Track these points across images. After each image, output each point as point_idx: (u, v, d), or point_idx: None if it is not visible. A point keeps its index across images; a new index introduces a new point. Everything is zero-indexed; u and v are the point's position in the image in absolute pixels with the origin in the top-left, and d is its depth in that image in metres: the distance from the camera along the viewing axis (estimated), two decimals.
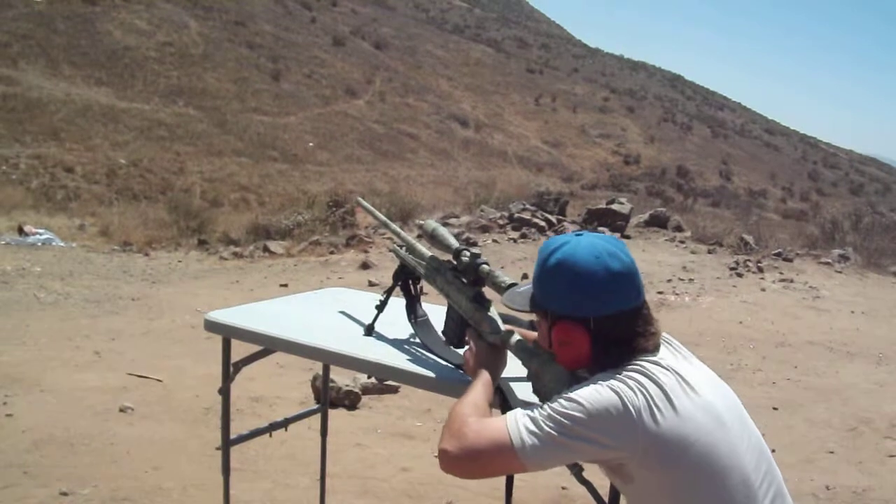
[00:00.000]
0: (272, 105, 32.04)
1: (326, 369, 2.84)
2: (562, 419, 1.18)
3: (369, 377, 4.54)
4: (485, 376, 1.40)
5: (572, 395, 1.21)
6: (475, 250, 1.59)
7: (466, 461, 1.22)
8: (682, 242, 11.64)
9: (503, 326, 1.47)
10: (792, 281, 9.06)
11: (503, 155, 38.76)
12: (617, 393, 1.19)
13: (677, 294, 8.08)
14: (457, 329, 1.63)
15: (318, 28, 46.85)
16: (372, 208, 2.06)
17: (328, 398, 2.97)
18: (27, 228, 11.69)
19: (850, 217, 13.81)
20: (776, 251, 10.74)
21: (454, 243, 1.63)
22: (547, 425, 1.19)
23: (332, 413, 3.39)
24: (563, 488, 3.40)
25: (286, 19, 45.60)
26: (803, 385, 5.38)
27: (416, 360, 1.77)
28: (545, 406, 1.22)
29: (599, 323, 1.26)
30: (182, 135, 25.61)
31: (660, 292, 8.08)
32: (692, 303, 7.81)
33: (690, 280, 8.87)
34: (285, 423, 2.61)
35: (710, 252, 10.88)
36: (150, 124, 25.41)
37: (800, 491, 3.63)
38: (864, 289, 9.11)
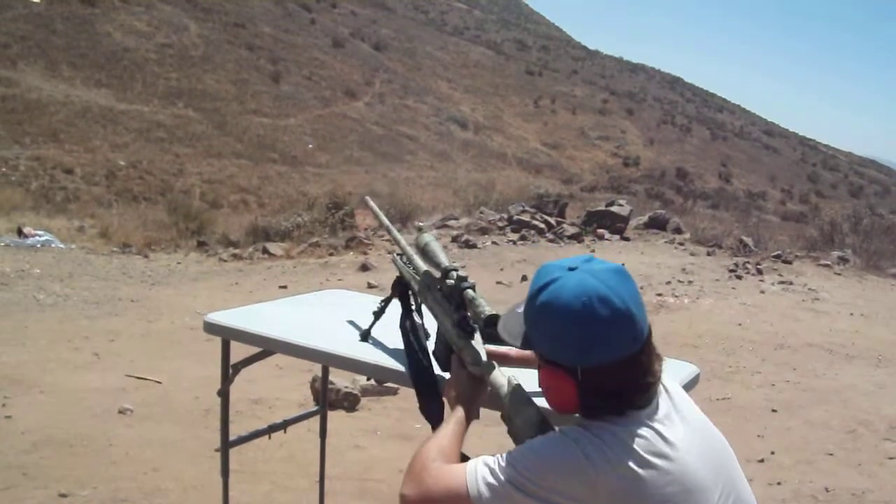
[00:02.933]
0: (272, 107, 32.08)
1: (325, 371, 2.84)
2: (518, 475, 1.12)
3: (368, 379, 4.54)
4: (458, 413, 1.34)
5: (534, 450, 1.15)
6: (462, 272, 1.50)
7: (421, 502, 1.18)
8: (681, 244, 11.65)
9: (485, 358, 1.39)
10: (791, 283, 9.07)
11: (502, 157, 38.82)
12: (580, 454, 1.10)
13: (676, 296, 8.09)
14: (446, 352, 1.54)
15: (317, 30, 46.92)
16: (378, 211, 2.00)
17: (327, 400, 2.97)
18: (26, 230, 11.68)
19: (849, 219, 13.82)
20: (775, 253, 10.75)
21: (443, 262, 1.54)
22: (504, 480, 1.12)
23: (331, 415, 3.39)
24: None
25: (286, 21, 45.66)
26: (802, 387, 5.38)
27: None
28: (506, 457, 1.15)
29: (588, 373, 1.15)
30: (181, 136, 25.64)
31: (659, 294, 8.08)
32: (691, 305, 7.81)
33: (689, 282, 8.87)
34: (284, 425, 2.61)
35: (709, 254, 10.89)
36: (149, 126, 25.44)
37: (799, 493, 3.63)
38: (864, 291, 9.11)
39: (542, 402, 1.28)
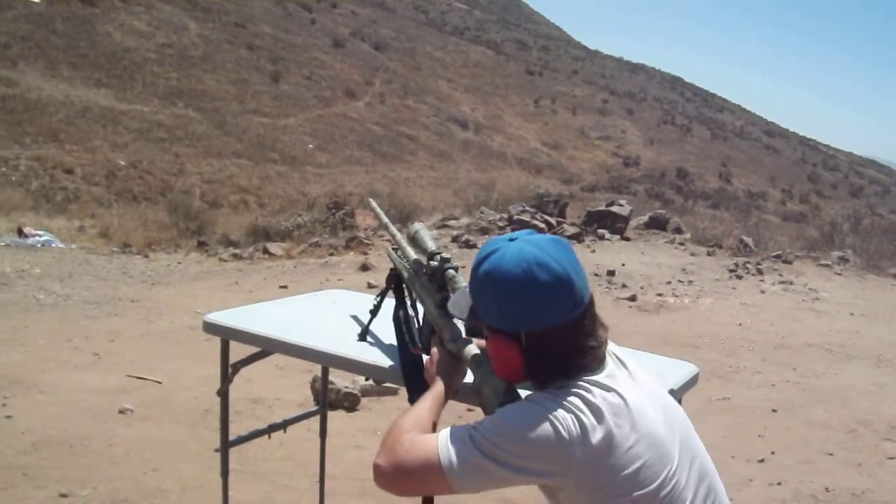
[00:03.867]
0: (272, 107, 32.06)
1: (325, 371, 2.84)
2: (490, 445, 1.13)
3: (368, 379, 4.54)
4: (437, 388, 1.36)
5: (504, 419, 1.16)
6: (446, 255, 1.55)
7: (396, 478, 1.19)
8: (681, 244, 11.64)
9: (464, 335, 1.42)
10: (791, 283, 9.06)
11: (503, 157, 38.79)
12: (550, 419, 1.12)
13: (676, 296, 8.08)
14: (429, 335, 1.58)
15: (317, 30, 46.91)
16: (378, 210, 2.04)
17: (327, 400, 2.97)
18: (27, 230, 11.69)
19: (849, 219, 13.84)
20: (775, 253, 10.75)
21: (430, 247, 1.60)
22: (476, 449, 1.14)
23: (331, 415, 3.39)
24: None
25: (286, 21, 45.65)
26: (802, 387, 5.38)
27: None
28: (478, 427, 1.17)
29: (532, 338, 1.19)
30: (181, 136, 25.62)
31: (659, 294, 8.08)
32: (691, 305, 7.81)
33: (690, 282, 8.87)
34: (284, 425, 2.61)
35: (709, 254, 10.88)
36: (149, 126, 25.41)
37: (799, 493, 3.63)
38: (864, 291, 9.11)
39: None
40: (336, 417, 4.18)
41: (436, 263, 1.54)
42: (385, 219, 1.93)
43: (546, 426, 1.12)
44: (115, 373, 4.90)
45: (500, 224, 12.14)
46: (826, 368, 5.86)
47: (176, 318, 6.62)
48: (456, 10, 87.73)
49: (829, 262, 10.41)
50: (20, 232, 11.60)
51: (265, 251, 11.03)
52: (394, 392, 4.74)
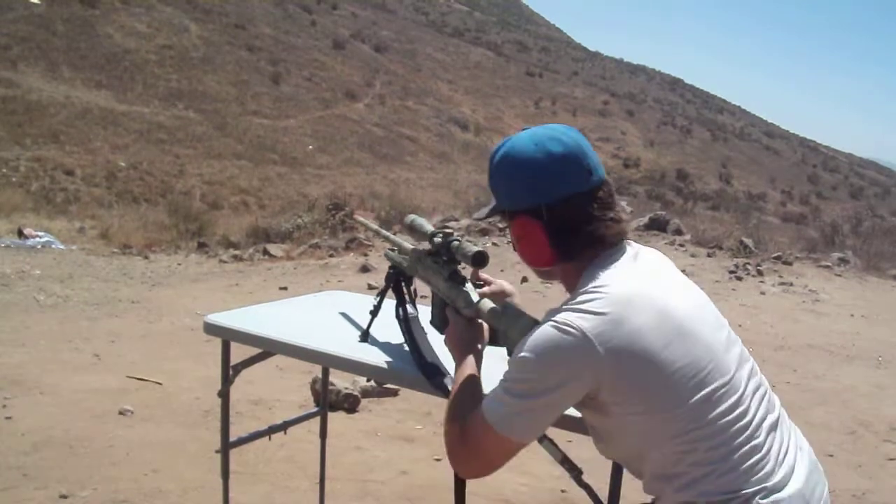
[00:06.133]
0: (272, 108, 32.11)
1: (326, 372, 2.84)
2: (520, 385, 1.16)
3: (369, 380, 4.54)
4: (468, 364, 1.37)
5: (519, 351, 1.17)
6: (448, 230, 1.58)
7: (477, 466, 1.24)
8: (681, 246, 11.64)
9: (475, 297, 1.45)
10: (791, 284, 9.06)
11: None
12: (557, 326, 1.13)
13: None
14: (441, 313, 1.60)
15: (318, 31, 46.98)
16: (366, 221, 2.10)
17: (327, 401, 2.97)
18: (27, 231, 11.70)
19: (849, 220, 13.85)
20: (776, 254, 10.74)
21: (429, 229, 1.62)
22: (513, 398, 1.16)
23: (331, 416, 3.39)
24: (563, 491, 3.40)
25: (286, 22, 45.72)
26: (802, 388, 5.38)
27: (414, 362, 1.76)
28: (505, 378, 1.19)
29: (551, 210, 1.23)
30: (182, 138, 25.66)
31: None
32: None
33: None
34: (284, 426, 2.61)
35: (709, 255, 10.88)
36: (149, 127, 25.45)
37: None
38: (864, 292, 9.11)
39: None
40: (336, 419, 4.18)
41: (439, 240, 1.56)
42: (375, 227, 1.99)
43: (553, 334, 1.14)
44: (116, 374, 4.90)
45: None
46: (826, 370, 5.86)
47: (176, 319, 6.62)
48: (456, 11, 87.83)
49: (830, 264, 10.41)
50: (20, 233, 11.60)
51: (265, 252, 11.03)
52: (394, 393, 4.73)
